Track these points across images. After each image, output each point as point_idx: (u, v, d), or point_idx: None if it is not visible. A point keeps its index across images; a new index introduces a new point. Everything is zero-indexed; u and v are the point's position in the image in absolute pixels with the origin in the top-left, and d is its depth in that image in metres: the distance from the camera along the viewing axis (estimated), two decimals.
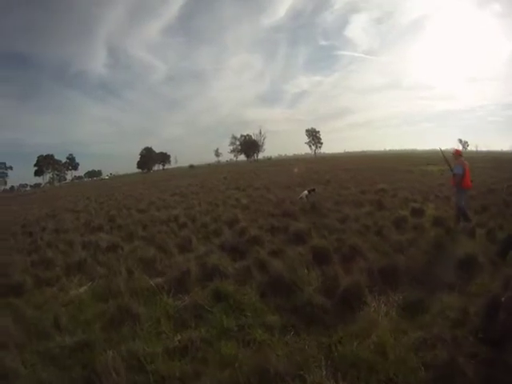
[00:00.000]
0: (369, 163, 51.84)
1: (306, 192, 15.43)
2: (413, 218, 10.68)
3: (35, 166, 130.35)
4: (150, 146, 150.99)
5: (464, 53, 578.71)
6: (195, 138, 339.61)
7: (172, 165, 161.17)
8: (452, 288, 5.47)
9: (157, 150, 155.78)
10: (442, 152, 12.06)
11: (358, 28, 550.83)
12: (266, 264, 6.83)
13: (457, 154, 10.54)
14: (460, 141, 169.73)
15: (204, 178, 41.55)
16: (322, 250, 7.51)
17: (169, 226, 11.66)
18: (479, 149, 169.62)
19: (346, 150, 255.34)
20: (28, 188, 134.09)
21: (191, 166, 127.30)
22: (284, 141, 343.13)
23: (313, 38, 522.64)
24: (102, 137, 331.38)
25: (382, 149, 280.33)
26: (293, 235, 9.18)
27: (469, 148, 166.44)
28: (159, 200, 20.88)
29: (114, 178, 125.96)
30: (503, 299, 4.05)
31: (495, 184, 18.45)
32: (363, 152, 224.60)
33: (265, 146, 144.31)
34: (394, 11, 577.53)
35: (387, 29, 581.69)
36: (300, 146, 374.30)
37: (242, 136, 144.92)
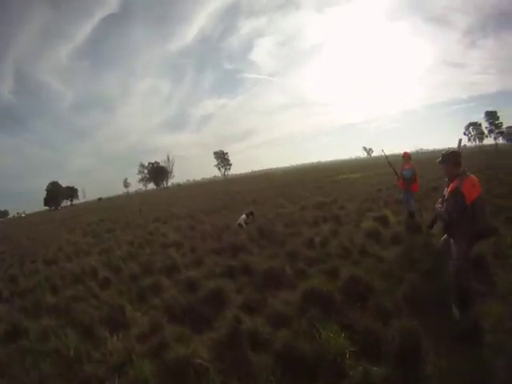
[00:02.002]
0: (285, 179, 50.80)
1: (243, 216, 13.17)
2: (383, 227, 9.66)
3: None
4: (56, 181, 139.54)
5: (358, 72, 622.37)
6: (104, 170, 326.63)
7: (80, 199, 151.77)
8: None
9: (66, 183, 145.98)
10: (386, 156, 12.07)
11: (263, 51, 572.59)
12: (257, 336, 4.69)
13: (406, 156, 10.46)
14: (365, 148, 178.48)
15: (116, 212, 37.14)
16: (324, 294, 5.47)
17: (86, 284, 8.31)
18: (384, 153, 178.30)
19: (254, 170, 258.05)
20: None
21: (100, 199, 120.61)
22: (191, 165, 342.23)
23: (219, 61, 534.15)
24: (8, 171, 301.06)
25: (288, 165, 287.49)
26: (264, 277, 6.87)
27: (373, 154, 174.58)
28: (69, 244, 16.64)
29: (19, 218, 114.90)
30: None
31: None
32: (271, 169, 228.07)
33: (173, 172, 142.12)
34: (296, 35, 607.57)
35: (290, 52, 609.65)
36: (208, 170, 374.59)
37: (149, 164, 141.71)
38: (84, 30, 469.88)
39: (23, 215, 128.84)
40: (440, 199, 5.00)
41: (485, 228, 4.72)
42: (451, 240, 4.83)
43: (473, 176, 4.70)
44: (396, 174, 10.61)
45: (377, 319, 4.64)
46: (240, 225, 12.63)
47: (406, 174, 10.23)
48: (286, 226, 11.90)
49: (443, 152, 4.94)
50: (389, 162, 11.18)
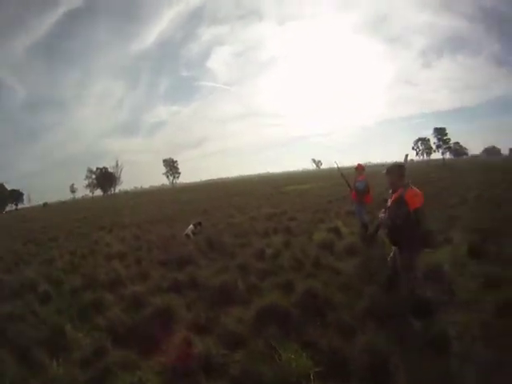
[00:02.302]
0: (235, 189, 50.51)
1: (191, 227, 12.61)
2: (336, 239, 9.72)
3: None
4: (1, 183, 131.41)
5: (316, 86, 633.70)
6: (52, 173, 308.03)
7: (26, 203, 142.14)
8: None
9: (11, 186, 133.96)
10: (339, 168, 12.21)
11: (221, 60, 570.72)
12: (210, 359, 4.33)
13: (360, 168, 10.47)
14: (314, 160, 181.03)
15: (61, 218, 35.25)
16: (279, 310, 5.21)
17: (24, 298, 7.46)
18: (332, 166, 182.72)
19: (203, 179, 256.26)
20: None
21: (45, 204, 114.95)
22: (140, 172, 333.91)
23: (176, 67, 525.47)
24: None
25: (238, 175, 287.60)
26: (214, 292, 6.52)
27: (323, 166, 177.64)
28: (8, 252, 15.19)
29: None
30: None
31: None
32: (220, 179, 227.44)
33: (121, 179, 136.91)
34: (256, 46, 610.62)
35: (248, 62, 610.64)
36: (156, 177, 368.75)
37: (97, 169, 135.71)
38: (45, 23, 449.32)
39: None
40: (383, 209, 5.17)
41: (427, 235, 5.16)
42: (395, 248, 5.05)
43: (416, 188, 4.84)
44: (349, 185, 10.62)
45: (339, 335, 4.43)
46: (187, 235, 12.15)
47: (359, 186, 10.17)
48: (236, 236, 11.68)
49: (389, 164, 5.24)
50: (341, 173, 11.20)
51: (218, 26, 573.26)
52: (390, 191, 5.12)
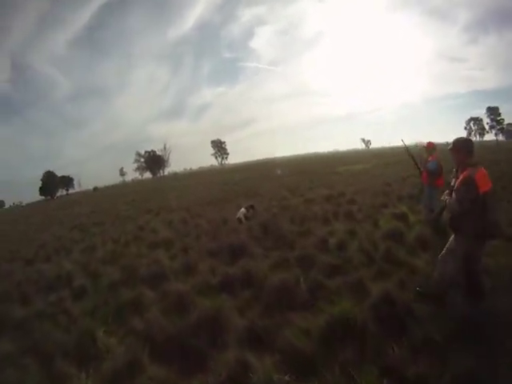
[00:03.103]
0: (286, 169, 49.17)
1: (243, 210, 11.67)
2: (404, 227, 8.35)
3: None
4: (51, 170, 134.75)
5: (357, 62, 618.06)
6: (100, 158, 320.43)
7: (76, 188, 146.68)
8: None
9: (61, 172, 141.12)
10: (407, 147, 10.18)
11: (263, 40, 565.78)
12: None
13: (430, 147, 9.23)
14: (363, 140, 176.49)
15: (109, 202, 35.51)
16: (353, 323, 4.17)
17: (58, 293, 6.91)
18: (382, 145, 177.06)
19: (252, 159, 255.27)
20: None
21: (95, 189, 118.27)
22: (188, 154, 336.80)
23: (218, 50, 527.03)
24: (2, 161, 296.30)
25: (286, 155, 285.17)
26: (273, 293, 5.43)
27: (372, 145, 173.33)
28: (54, 239, 15.35)
29: (16, 207, 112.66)
30: None
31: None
32: (269, 159, 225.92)
33: (170, 161, 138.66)
34: (297, 24, 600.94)
35: (290, 41, 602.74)
36: (205, 159, 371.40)
37: (146, 152, 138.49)
38: (82, 17, 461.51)
39: (23, 205, 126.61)
40: (447, 191, 4.73)
41: (494, 226, 4.41)
42: (454, 235, 4.61)
43: (483, 169, 4.42)
44: (418, 166, 9.07)
45: (427, 358, 3.47)
46: (239, 219, 11.21)
47: (430, 167, 8.87)
48: (293, 222, 10.49)
49: (455, 138, 4.64)
50: (409, 152, 9.57)
51: (257, 6, 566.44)
52: (454, 171, 4.68)
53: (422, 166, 9.10)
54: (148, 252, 9.09)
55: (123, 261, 8.47)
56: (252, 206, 12.16)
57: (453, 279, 4.60)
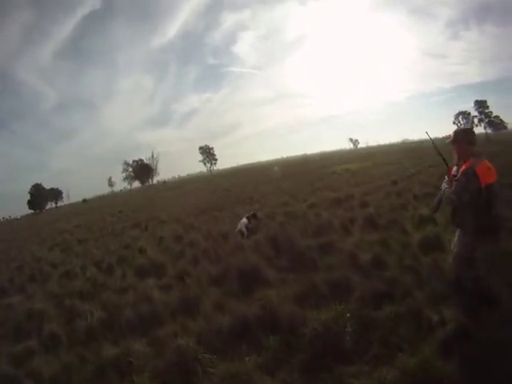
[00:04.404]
0: (278, 172, 47.74)
1: (244, 221, 10.05)
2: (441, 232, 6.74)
3: None
4: (39, 183, 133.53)
5: (341, 63, 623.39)
6: (89, 169, 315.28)
7: (65, 201, 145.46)
8: None
9: (50, 185, 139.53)
10: (433, 141, 8.17)
11: (246, 45, 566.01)
12: None
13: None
14: (351, 139, 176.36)
15: (96, 215, 33.68)
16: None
17: (27, 344, 5.36)
18: (369, 144, 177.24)
19: (240, 164, 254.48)
20: None
21: (84, 201, 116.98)
22: (176, 161, 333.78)
23: (202, 56, 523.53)
24: None
25: (274, 158, 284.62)
26: (314, 341, 3.91)
27: (360, 145, 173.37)
28: (33, 260, 13.72)
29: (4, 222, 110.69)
30: None
31: None
32: (258, 163, 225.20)
33: (158, 169, 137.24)
34: (279, 28, 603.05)
35: (273, 44, 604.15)
36: (193, 165, 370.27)
37: (134, 161, 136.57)
38: (66, 27, 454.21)
39: (18, 217, 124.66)
40: (446, 178, 4.50)
41: (498, 220, 4.20)
42: (457, 231, 4.40)
43: (487, 161, 4.19)
44: (446, 162, 7.58)
45: None
46: (241, 232, 9.64)
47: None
48: (306, 233, 8.84)
49: (455, 129, 4.60)
50: (436, 147, 8.09)
51: (240, 11, 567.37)
52: (457, 157, 4.43)
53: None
54: (135, 281, 7.38)
55: (105, 295, 6.83)
56: (254, 216, 10.58)
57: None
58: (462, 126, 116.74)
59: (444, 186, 4.47)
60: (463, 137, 4.32)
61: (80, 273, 9.34)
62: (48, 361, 4.84)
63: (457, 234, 4.41)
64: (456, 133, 4.42)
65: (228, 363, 3.66)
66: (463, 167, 4.17)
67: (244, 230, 9.66)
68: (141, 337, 4.77)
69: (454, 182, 4.23)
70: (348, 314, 4.15)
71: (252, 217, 10.40)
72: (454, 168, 4.42)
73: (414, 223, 8.09)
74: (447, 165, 7.52)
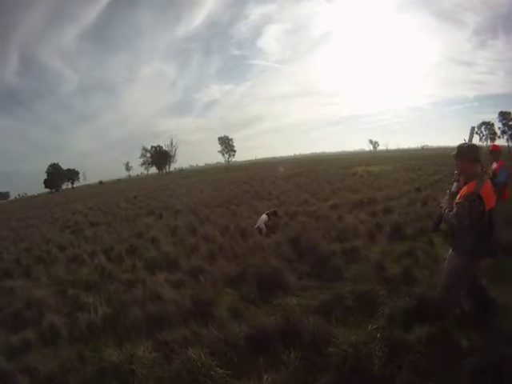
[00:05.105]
0: (296, 168, 47.18)
1: (264, 217, 9.67)
2: None
3: None
4: (56, 162, 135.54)
5: (364, 63, 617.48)
6: (106, 153, 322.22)
7: (81, 182, 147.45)
8: None
9: (67, 166, 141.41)
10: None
11: (271, 38, 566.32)
12: None
13: (496, 150, 7.81)
14: (371, 141, 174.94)
15: (111, 198, 33.23)
16: None
17: (25, 334, 4.97)
18: (389, 147, 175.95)
19: (257, 157, 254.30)
20: None
21: (101, 183, 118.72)
22: (195, 151, 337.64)
23: (226, 47, 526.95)
24: (8, 153, 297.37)
25: (293, 154, 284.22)
26: (341, 362, 3.49)
27: (379, 147, 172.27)
28: (42, 241, 13.29)
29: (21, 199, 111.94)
30: None
31: None
32: (275, 158, 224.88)
33: (176, 157, 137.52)
34: (305, 24, 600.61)
35: (298, 40, 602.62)
36: (211, 155, 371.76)
37: (152, 147, 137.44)
38: (91, 13, 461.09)
39: (36, 195, 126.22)
40: (447, 196, 4.20)
41: (497, 244, 4.13)
42: (452, 251, 4.12)
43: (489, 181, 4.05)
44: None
45: None
46: (259, 229, 9.23)
47: (501, 177, 7.23)
48: (328, 234, 8.37)
49: (459, 144, 4.13)
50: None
51: (266, 5, 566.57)
52: (456, 173, 4.24)
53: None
54: (144, 275, 6.84)
55: (112, 287, 6.36)
56: (275, 213, 10.11)
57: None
58: (485, 136, 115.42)
59: (443, 204, 4.23)
60: (467, 154, 4.00)
61: (88, 259, 8.93)
62: (45, 356, 4.44)
63: (449, 253, 4.20)
64: (460, 148, 4.07)
65: (244, 381, 3.31)
66: (466, 189, 3.90)
67: (263, 226, 9.27)
68: (146, 339, 4.30)
69: (456, 205, 3.92)
70: (378, 335, 3.75)
71: (272, 214, 9.99)
72: (454, 184, 4.21)
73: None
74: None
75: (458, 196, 3.95)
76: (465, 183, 3.98)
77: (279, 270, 5.91)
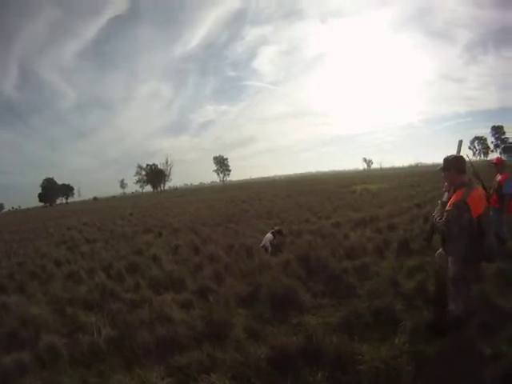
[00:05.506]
0: (294, 187, 47.17)
1: (269, 235, 9.38)
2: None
3: None
4: (51, 177, 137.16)
5: (358, 83, 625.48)
6: (101, 170, 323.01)
7: (76, 198, 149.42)
8: None
9: (62, 181, 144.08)
10: (472, 163, 7.50)
11: (266, 60, 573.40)
12: None
13: (500, 163, 7.96)
14: (365, 160, 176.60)
15: (106, 215, 32.83)
16: None
17: (19, 356, 4.52)
18: (383, 166, 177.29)
19: (252, 177, 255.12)
20: None
21: (95, 199, 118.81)
22: (189, 170, 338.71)
23: (222, 68, 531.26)
24: (5, 165, 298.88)
25: (287, 173, 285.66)
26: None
27: (373, 166, 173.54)
28: (36, 256, 12.75)
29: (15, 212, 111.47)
30: None
31: None
32: (270, 177, 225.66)
33: (171, 176, 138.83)
34: (300, 45, 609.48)
35: (293, 61, 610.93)
36: (205, 175, 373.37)
37: (147, 165, 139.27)
38: (91, 29, 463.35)
39: (30, 208, 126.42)
40: (439, 207, 4.45)
41: (490, 249, 4.12)
42: (449, 257, 4.23)
43: (479, 188, 4.40)
44: (484, 187, 6.92)
45: None
46: (265, 248, 8.94)
47: (507, 189, 7.35)
48: (336, 252, 8.18)
49: (445, 157, 4.41)
50: (475, 172, 7.40)
51: (262, 26, 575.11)
52: (446, 184, 4.46)
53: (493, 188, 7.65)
54: (149, 294, 6.48)
55: (115, 307, 5.92)
56: (280, 231, 9.85)
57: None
58: (478, 150, 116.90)
59: (436, 215, 4.45)
60: (453, 165, 4.26)
61: (86, 277, 8.51)
62: (43, 381, 4.08)
63: (439, 253, 4.55)
64: (446, 160, 4.34)
65: None
66: (454, 197, 4.14)
67: (268, 245, 8.99)
68: (158, 364, 3.99)
69: (446, 212, 4.16)
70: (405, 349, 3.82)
71: (277, 232, 9.73)
72: (445, 195, 4.41)
73: None
74: (486, 189, 6.90)
75: (448, 204, 4.18)
76: (454, 192, 4.21)
77: (292, 289, 5.68)
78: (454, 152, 4.61)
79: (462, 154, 4.65)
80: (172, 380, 3.71)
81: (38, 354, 4.63)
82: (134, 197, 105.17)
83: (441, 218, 4.25)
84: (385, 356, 3.53)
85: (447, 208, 4.16)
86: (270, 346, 4.06)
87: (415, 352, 3.74)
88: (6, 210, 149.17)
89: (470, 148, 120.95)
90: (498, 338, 3.84)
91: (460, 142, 4.81)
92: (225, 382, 3.38)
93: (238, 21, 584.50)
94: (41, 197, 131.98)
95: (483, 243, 4.02)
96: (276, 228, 10.11)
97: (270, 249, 8.87)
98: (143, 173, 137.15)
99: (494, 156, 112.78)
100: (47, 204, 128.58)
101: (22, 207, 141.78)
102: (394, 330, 4.21)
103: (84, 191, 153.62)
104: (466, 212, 3.93)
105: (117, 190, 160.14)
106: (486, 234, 4.03)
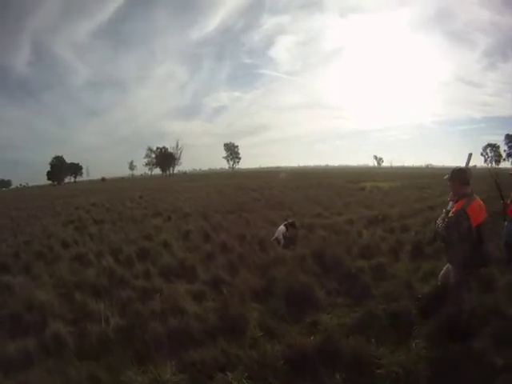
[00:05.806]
0: (303, 180, 46.62)
1: (282, 228, 9.22)
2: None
3: None
4: (60, 155, 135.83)
5: (374, 79, 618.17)
6: (111, 150, 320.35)
7: (84, 177, 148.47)
8: None
9: (71, 159, 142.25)
10: (491, 171, 8.76)
11: (283, 49, 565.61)
12: None
13: None
14: (375, 157, 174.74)
15: (115, 196, 32.69)
16: None
17: (25, 343, 4.35)
18: (393, 164, 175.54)
19: (261, 166, 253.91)
20: None
21: (103, 179, 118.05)
22: (199, 155, 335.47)
23: (238, 54, 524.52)
24: (15, 141, 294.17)
25: (296, 165, 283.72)
26: None
27: (383, 164, 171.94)
28: (43, 235, 12.64)
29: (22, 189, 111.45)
30: None
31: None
32: (279, 168, 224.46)
33: (181, 159, 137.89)
34: (317, 37, 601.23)
35: (309, 52, 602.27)
36: (215, 161, 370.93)
37: (158, 148, 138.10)
38: (107, 9, 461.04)
39: (38, 185, 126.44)
40: (443, 215, 4.48)
41: (488, 257, 4.48)
42: (449, 265, 4.57)
43: (479, 199, 4.45)
44: (502, 198, 7.03)
45: None
46: (277, 240, 8.82)
47: None
48: (350, 249, 8.06)
49: (453, 168, 4.63)
50: (497, 183, 7.30)
51: (280, 15, 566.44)
52: (451, 193, 4.59)
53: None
54: (160, 282, 6.32)
55: (124, 294, 5.79)
56: (293, 224, 9.67)
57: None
58: (490, 157, 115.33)
59: (438, 222, 4.52)
60: (458, 176, 4.43)
61: (94, 260, 8.36)
62: (49, 371, 3.87)
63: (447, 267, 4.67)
64: (453, 171, 4.51)
65: None
66: (456, 206, 4.32)
67: (281, 238, 8.86)
68: (169, 358, 3.86)
69: (447, 219, 4.33)
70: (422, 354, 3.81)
71: (290, 225, 9.55)
72: (450, 204, 4.52)
73: None
74: (503, 200, 6.69)
75: (451, 212, 4.34)
76: (456, 202, 4.39)
77: (308, 285, 5.57)
78: (464, 159, 4.81)
79: (476, 165, 4.71)
80: (185, 377, 3.58)
81: (44, 342, 4.46)
82: (143, 179, 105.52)
83: (441, 224, 4.41)
84: (402, 361, 3.54)
85: (450, 216, 4.34)
86: (287, 344, 3.97)
87: (431, 358, 3.72)
88: (13, 186, 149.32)
89: (482, 154, 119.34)
90: (510, 350, 3.78)
91: (470, 155, 4.88)
92: (242, 381, 3.26)
93: (255, 8, 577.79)
94: (49, 175, 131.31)
95: (482, 251, 4.22)
96: (289, 220, 9.93)
97: (282, 241, 8.75)
98: (153, 155, 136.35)
99: (506, 165, 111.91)
100: (55, 182, 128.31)
101: (30, 184, 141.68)
102: (410, 334, 4.24)
103: (92, 171, 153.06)
104: (466, 220, 4.12)
105: (125, 171, 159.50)
106: (484, 242, 4.23)
